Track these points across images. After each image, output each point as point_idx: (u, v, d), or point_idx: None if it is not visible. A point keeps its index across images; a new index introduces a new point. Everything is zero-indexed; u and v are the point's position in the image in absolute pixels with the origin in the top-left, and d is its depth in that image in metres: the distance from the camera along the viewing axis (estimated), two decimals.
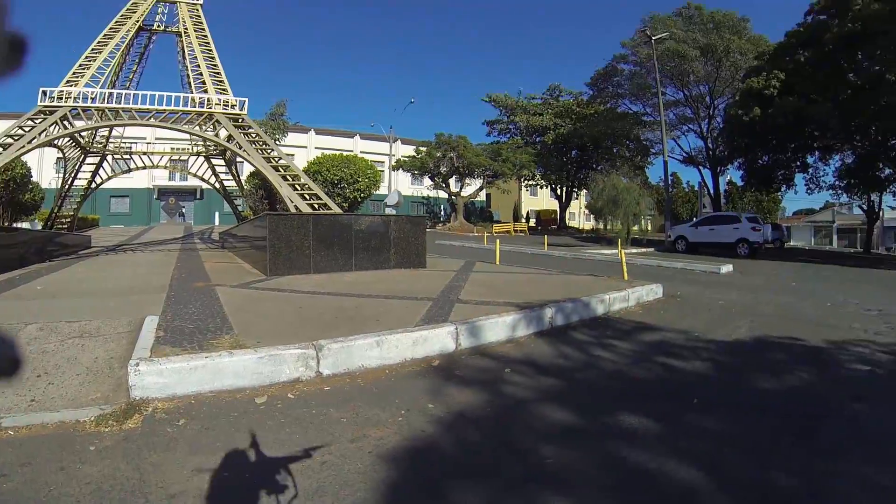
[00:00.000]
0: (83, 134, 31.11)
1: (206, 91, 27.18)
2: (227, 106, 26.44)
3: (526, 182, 59.22)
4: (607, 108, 45.37)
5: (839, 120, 22.39)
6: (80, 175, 34.67)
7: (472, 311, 6.54)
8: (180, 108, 25.61)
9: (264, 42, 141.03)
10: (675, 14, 39.00)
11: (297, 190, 24.79)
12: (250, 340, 4.88)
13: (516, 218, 62.73)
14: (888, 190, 33.16)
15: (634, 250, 24.38)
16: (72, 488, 2.63)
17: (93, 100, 24.69)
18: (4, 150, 21.97)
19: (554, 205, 62.20)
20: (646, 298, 9.34)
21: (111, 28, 29.15)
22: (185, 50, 30.74)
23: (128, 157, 37.61)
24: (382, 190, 46.53)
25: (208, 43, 30.42)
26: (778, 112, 23.07)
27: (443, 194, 53.47)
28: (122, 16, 30.06)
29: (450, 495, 2.72)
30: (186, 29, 31.12)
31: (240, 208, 40.73)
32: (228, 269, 12.59)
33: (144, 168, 39.48)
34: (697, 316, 8.14)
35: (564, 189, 54.65)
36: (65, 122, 24.22)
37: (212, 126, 26.48)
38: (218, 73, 28.67)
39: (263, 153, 26.05)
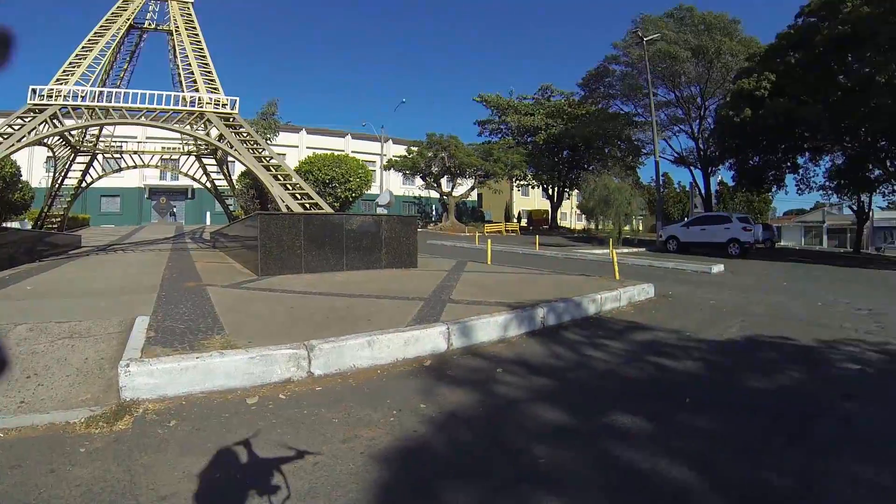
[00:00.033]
0: (73, 133, 30.89)
1: (197, 90, 27.03)
2: (218, 105, 26.31)
3: (517, 182, 59.35)
4: (599, 109, 45.55)
5: (829, 121, 22.55)
6: (70, 174, 34.36)
7: (463, 311, 6.55)
8: (171, 107, 25.45)
9: (255, 41, 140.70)
10: (666, 15, 39.19)
11: (288, 189, 24.72)
12: (241, 341, 4.86)
13: (508, 218, 62.82)
14: (878, 190, 33.49)
15: (626, 250, 24.48)
16: (62, 490, 2.61)
17: (83, 98, 24.51)
18: None
19: (545, 205, 62.31)
20: (637, 298, 9.37)
21: (101, 26, 28.95)
22: (177, 48, 30.55)
23: (118, 156, 37.32)
24: (374, 190, 46.44)
25: (199, 41, 30.25)
26: (769, 113, 23.21)
27: (434, 194, 53.45)
28: (112, 13, 29.86)
29: (442, 495, 2.72)
30: (177, 27, 30.93)
31: (231, 208, 40.58)
32: (219, 268, 12.54)
33: (135, 167, 39.19)
34: (689, 315, 8.17)
35: (556, 189, 54.81)
36: (54, 121, 24.03)
37: (203, 125, 26.32)
38: (209, 72, 28.52)
39: (255, 152, 25.95)
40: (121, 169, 38.01)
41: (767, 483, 2.87)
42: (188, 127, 25.85)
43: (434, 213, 60.67)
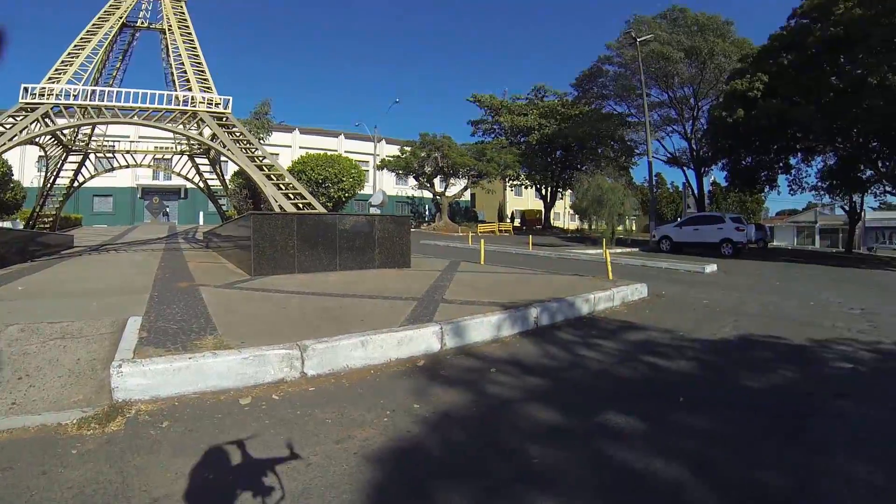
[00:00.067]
0: (65, 132, 30.76)
1: (190, 89, 26.96)
2: (212, 104, 26.26)
3: (510, 182, 59.34)
4: (592, 109, 45.55)
5: (822, 122, 22.63)
6: (62, 174, 34.22)
7: (456, 311, 6.55)
8: (164, 106, 25.39)
9: (248, 40, 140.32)
10: (659, 16, 39.26)
11: (281, 189, 24.70)
12: (234, 341, 4.85)
13: (501, 218, 62.84)
14: (869, 191, 33.66)
15: (619, 250, 24.51)
16: (54, 493, 2.60)
17: (75, 97, 24.41)
18: None
19: (539, 205, 62.38)
20: (631, 298, 9.40)
21: (94, 24, 28.86)
22: (169, 47, 30.48)
23: (111, 155, 37.19)
24: (367, 190, 46.48)
25: (192, 40, 30.19)
26: (761, 114, 23.28)
27: (427, 194, 53.50)
28: (105, 12, 29.77)
29: (436, 496, 2.72)
30: (170, 26, 30.86)
31: (224, 208, 40.49)
32: (212, 268, 12.50)
33: (128, 167, 39.08)
34: (682, 315, 8.20)
35: (549, 189, 54.85)
36: (46, 120, 23.93)
37: (196, 125, 26.26)
38: (202, 71, 28.45)
39: (247, 152, 25.90)
40: (113, 168, 37.87)
41: (762, 482, 2.88)
42: (181, 126, 25.77)
43: (427, 213, 60.73)
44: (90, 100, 24.53)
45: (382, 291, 8.53)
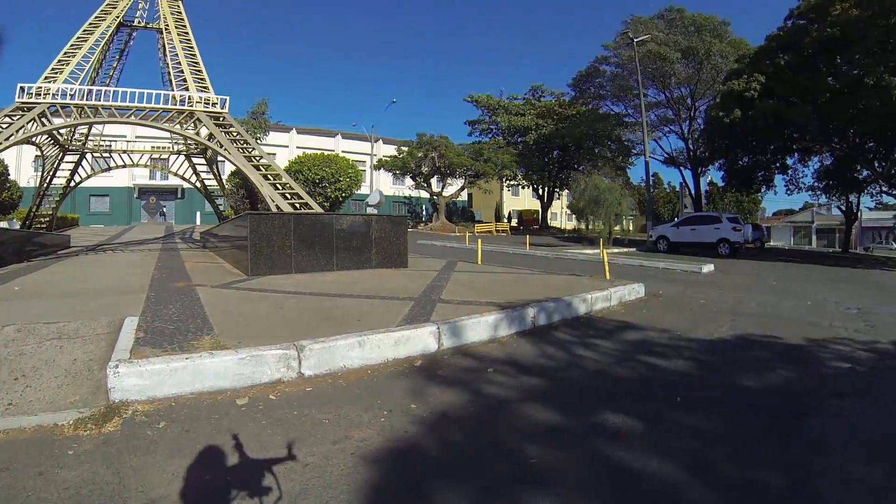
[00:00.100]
0: (62, 131, 30.69)
1: (187, 88, 26.92)
2: (208, 104, 26.23)
3: (508, 182, 59.44)
4: (589, 109, 45.63)
5: (818, 123, 22.69)
6: (58, 173, 34.14)
7: (454, 311, 6.54)
8: (161, 105, 25.36)
9: (245, 40, 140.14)
10: (656, 17, 39.36)
11: (278, 189, 24.68)
12: (231, 341, 4.83)
13: (498, 218, 62.92)
14: (866, 191, 33.83)
15: (616, 250, 24.55)
16: (50, 494, 2.59)
17: (72, 97, 24.36)
18: None
19: (536, 205, 62.43)
20: (628, 298, 9.40)
21: (91, 23, 28.79)
22: (166, 46, 30.43)
23: (107, 155, 37.11)
24: (364, 189, 46.51)
25: (189, 39, 30.13)
26: (758, 114, 23.33)
27: (424, 194, 53.52)
28: (102, 11, 29.70)
29: (433, 496, 2.72)
30: (167, 25, 30.79)
31: (221, 208, 40.43)
32: (209, 268, 12.48)
33: (125, 167, 39.00)
34: (679, 315, 8.21)
35: (546, 189, 54.92)
36: (43, 120, 23.88)
37: (193, 124, 26.21)
38: (199, 71, 28.42)
39: (244, 152, 25.89)
40: (110, 168, 37.80)
41: (759, 481, 2.89)
42: (178, 126, 25.73)
43: (424, 213, 60.76)
44: (87, 99, 24.49)
45: (379, 291, 8.52)
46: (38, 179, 34.51)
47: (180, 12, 31.51)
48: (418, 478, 2.91)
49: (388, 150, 53.94)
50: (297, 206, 23.83)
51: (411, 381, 4.57)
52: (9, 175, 35.51)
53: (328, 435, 3.40)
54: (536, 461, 3.10)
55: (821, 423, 3.82)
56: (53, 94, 23.96)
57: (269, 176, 25.15)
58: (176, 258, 15.49)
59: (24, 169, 45.18)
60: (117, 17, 30.38)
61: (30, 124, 23.18)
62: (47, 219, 33.96)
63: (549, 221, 59.49)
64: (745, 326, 7.33)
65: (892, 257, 30.97)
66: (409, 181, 51.91)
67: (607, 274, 11.32)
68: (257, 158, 25.85)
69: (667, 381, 4.80)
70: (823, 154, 30.85)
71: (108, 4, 30.06)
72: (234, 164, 26.20)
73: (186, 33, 30.46)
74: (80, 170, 35.70)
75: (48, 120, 24.32)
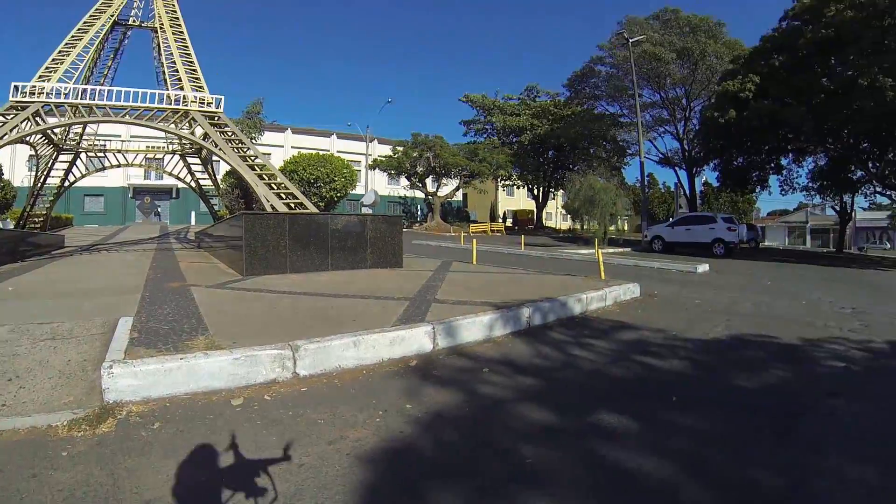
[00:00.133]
0: (56, 131, 30.60)
1: (181, 88, 26.86)
2: (203, 103, 26.17)
3: (503, 182, 59.47)
4: (584, 109, 45.62)
5: (812, 123, 22.77)
6: (52, 173, 34.01)
7: (449, 311, 6.54)
8: (155, 105, 25.28)
9: (240, 39, 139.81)
10: (652, 17, 39.37)
11: (273, 189, 24.64)
12: (226, 341, 4.82)
13: (493, 218, 62.99)
14: (860, 191, 34.02)
15: (611, 250, 24.58)
16: (44, 495, 2.57)
17: (66, 96, 24.27)
18: None
19: (531, 205, 62.52)
20: (623, 298, 9.41)
21: (85, 22, 28.70)
22: (161, 46, 30.36)
23: (102, 155, 37.01)
24: (359, 189, 46.49)
25: (184, 38, 30.07)
26: (753, 115, 23.41)
27: (419, 194, 53.55)
28: (96, 9, 29.61)
29: (428, 496, 2.71)
30: (162, 24, 30.74)
31: (216, 207, 40.38)
32: (204, 269, 12.45)
33: (119, 166, 38.90)
34: (675, 315, 8.22)
35: (541, 189, 54.95)
36: (37, 119, 23.79)
37: (188, 124, 26.15)
38: (194, 70, 28.36)
39: (239, 152, 25.85)
40: (104, 168, 37.70)
41: (755, 481, 2.89)
42: (173, 125, 25.67)
43: (419, 213, 60.77)
44: (81, 98, 24.39)
45: (374, 291, 8.51)
46: (32, 179, 34.33)
47: (175, 11, 31.46)
48: (413, 478, 2.90)
49: (384, 150, 53.92)
50: (293, 205, 23.80)
51: (406, 381, 4.57)
52: (2, 174, 35.31)
53: (323, 435, 3.39)
54: (531, 461, 3.10)
55: (816, 423, 3.84)
56: (48, 93, 23.87)
57: (263, 176, 25.12)
58: (171, 258, 15.45)
59: (18, 168, 44.99)
60: (112, 15, 30.30)
61: (24, 123, 23.07)
62: (41, 219, 33.81)
63: (544, 221, 59.58)
64: (740, 326, 7.35)
65: (886, 257, 31.15)
66: (404, 181, 51.94)
67: (602, 274, 11.34)
68: (252, 158, 25.81)
69: (662, 381, 4.81)
70: (818, 154, 31.01)
71: (102, 3, 29.97)
72: (229, 164, 26.16)
73: (181, 32, 30.40)
74: (74, 169, 35.59)
75: (42, 119, 24.23)
